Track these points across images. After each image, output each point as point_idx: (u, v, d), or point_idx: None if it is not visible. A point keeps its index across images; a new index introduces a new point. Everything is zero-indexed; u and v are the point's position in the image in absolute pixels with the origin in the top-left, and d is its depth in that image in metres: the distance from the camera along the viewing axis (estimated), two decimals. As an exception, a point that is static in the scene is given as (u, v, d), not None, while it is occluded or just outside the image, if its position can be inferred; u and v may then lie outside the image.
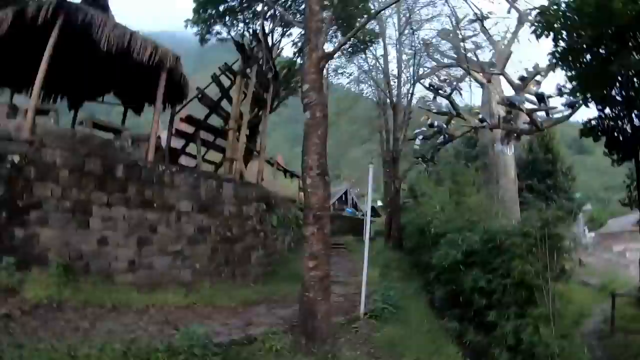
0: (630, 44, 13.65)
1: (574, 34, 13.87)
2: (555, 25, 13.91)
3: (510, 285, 11.54)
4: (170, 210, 10.84)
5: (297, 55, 24.34)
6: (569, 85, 18.95)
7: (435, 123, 27.00)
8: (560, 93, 24.25)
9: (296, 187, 33.00)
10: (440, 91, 27.33)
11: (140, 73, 12.16)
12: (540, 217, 12.45)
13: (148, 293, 9.73)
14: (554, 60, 15.82)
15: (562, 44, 14.81)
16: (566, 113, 23.53)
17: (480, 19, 28.26)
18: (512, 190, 25.31)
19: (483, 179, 25.33)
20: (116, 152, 11.93)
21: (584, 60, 15.07)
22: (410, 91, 28.17)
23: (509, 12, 28.23)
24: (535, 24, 14.81)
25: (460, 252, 12.67)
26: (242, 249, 12.68)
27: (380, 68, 28.60)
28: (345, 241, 26.17)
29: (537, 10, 14.86)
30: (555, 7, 13.76)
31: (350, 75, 31.80)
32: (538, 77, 25.69)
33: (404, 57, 27.61)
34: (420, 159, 27.45)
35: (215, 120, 16.49)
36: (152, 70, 11.45)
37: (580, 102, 20.53)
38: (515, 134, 27.20)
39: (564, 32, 14.05)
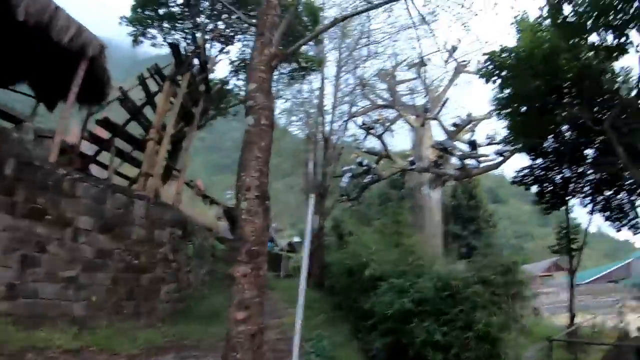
0: (568, 98, 14.24)
1: (519, 83, 14.22)
2: (503, 73, 14.45)
3: (472, 338, 10.12)
4: (66, 226, 8.60)
5: (232, 74, 22.70)
6: (501, 134, 20.09)
7: (365, 162, 26.11)
8: (490, 142, 24.22)
9: (214, 215, 31.14)
10: (371, 130, 26.55)
11: (59, 59, 10.07)
12: (499, 262, 11.32)
13: (28, 329, 7.56)
14: (497, 106, 16.12)
15: (506, 90, 15.21)
16: (496, 161, 23.35)
17: (422, 63, 28.31)
18: (437, 234, 24.59)
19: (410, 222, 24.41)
20: (10, 144, 9.57)
21: (524, 109, 15.42)
22: (343, 127, 27.13)
23: (446, 62, 28.31)
24: (484, 68, 15.05)
25: (410, 299, 11.05)
26: (150, 281, 10.50)
27: (314, 101, 27.41)
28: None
29: (487, 56, 14.70)
30: (505, 54, 14.03)
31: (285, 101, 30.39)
32: (470, 126, 25.71)
33: (339, 93, 26.52)
34: (346, 196, 26.33)
35: (135, 130, 14.39)
36: (73, 58, 9.45)
37: (510, 151, 21.00)
38: (443, 179, 26.79)
39: (509, 81, 14.52)
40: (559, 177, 19.05)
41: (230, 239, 29.21)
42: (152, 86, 14.30)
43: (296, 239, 47.29)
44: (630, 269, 42.70)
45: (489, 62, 14.65)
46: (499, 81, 14.82)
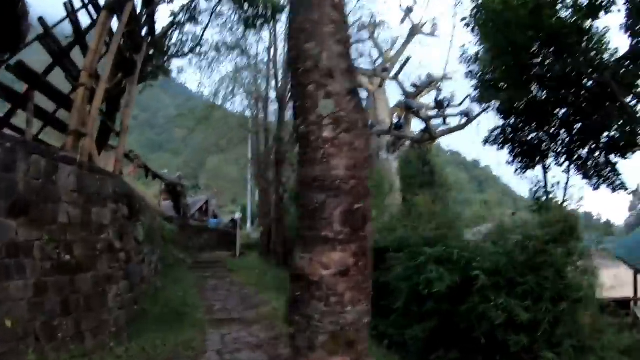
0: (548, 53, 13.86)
1: (504, 34, 13.51)
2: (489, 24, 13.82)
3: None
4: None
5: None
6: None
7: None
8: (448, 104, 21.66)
9: (156, 193, 27.21)
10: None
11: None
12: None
13: None
14: (470, 61, 16.28)
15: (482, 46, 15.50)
16: (462, 122, 20.94)
17: (375, 24, 25.34)
18: (397, 201, 21.97)
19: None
20: None
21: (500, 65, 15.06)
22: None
23: (402, 22, 25.52)
24: (471, 17, 14.41)
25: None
26: (93, 282, 6.86)
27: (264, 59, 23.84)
28: (220, 258, 20.94)
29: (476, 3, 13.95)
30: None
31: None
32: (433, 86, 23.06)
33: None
34: (293, 165, 23.28)
35: (60, 80, 10.47)
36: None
37: (481, 111, 19.29)
38: (401, 143, 24.20)
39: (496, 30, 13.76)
40: (531, 136, 17.40)
41: (178, 217, 25.70)
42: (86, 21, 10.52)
43: (237, 215, 43.82)
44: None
45: (478, 10, 13.74)
46: (482, 31, 14.46)
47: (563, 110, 16.24)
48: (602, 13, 12.30)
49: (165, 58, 13.87)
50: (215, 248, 24.82)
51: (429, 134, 21.11)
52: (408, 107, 20.30)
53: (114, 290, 7.33)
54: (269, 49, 21.80)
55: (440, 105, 20.55)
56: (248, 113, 26.81)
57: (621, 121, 14.74)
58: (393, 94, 25.16)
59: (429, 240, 9.27)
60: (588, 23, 12.90)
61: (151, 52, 12.71)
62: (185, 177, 44.65)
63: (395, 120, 21.91)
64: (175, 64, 22.50)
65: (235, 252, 23.09)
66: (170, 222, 17.16)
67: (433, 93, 22.36)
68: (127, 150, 16.68)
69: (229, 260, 20.49)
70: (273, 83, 22.41)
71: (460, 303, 7.97)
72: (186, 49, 14.11)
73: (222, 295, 12.91)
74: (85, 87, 8.26)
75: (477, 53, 16.39)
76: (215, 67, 24.44)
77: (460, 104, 20.85)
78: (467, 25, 14.62)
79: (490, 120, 20.80)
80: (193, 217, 32.61)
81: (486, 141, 18.54)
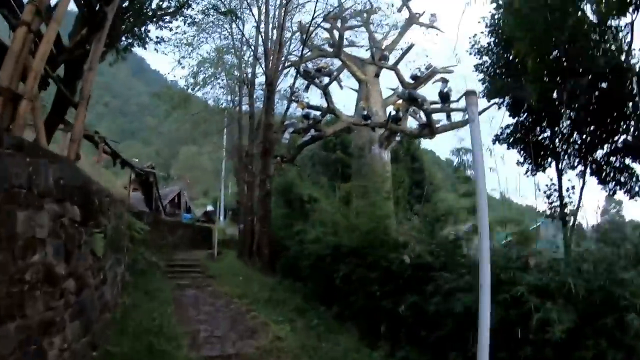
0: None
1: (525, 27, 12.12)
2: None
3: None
4: None
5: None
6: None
7: (312, 114, 20.23)
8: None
9: (126, 184, 23.81)
10: (316, 80, 20.70)
11: None
12: None
13: None
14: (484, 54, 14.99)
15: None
16: (466, 118, 18.49)
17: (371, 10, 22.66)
18: (390, 199, 19.33)
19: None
20: None
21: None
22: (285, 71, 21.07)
23: (399, 10, 22.90)
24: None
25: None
26: (19, 338, 3.61)
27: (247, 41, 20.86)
28: (197, 259, 17.94)
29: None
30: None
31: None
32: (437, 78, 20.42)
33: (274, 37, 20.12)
34: (279, 157, 20.36)
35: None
36: None
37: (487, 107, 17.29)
38: (396, 137, 21.65)
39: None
40: (542, 136, 15.71)
41: (149, 212, 22.46)
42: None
43: (210, 208, 40.65)
44: (539, 233, 40.77)
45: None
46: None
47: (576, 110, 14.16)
48: (631, 9, 10.85)
49: (144, 18, 10.71)
50: (190, 246, 21.85)
51: (429, 129, 18.56)
52: (411, 98, 17.66)
53: (57, 343, 4.36)
54: (257, 26, 18.77)
55: (445, 98, 18.02)
56: (229, 98, 23.64)
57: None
58: (387, 85, 22.05)
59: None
60: (614, 22, 11.75)
61: (126, 3, 9.64)
62: (156, 167, 41.40)
63: (393, 112, 19.27)
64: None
65: (213, 252, 20.16)
66: (141, 219, 14.09)
67: (430, 86, 19.94)
68: (90, 130, 13.56)
69: (208, 263, 17.56)
70: (259, 68, 19.56)
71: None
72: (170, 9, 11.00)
73: (207, 314, 10.00)
74: (29, 27, 5.27)
75: (490, 44, 14.99)
76: (196, 45, 21.35)
77: (459, 99, 18.46)
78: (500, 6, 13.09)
79: (496, 117, 18.47)
80: (165, 210, 29.51)
81: (496, 139, 16.36)
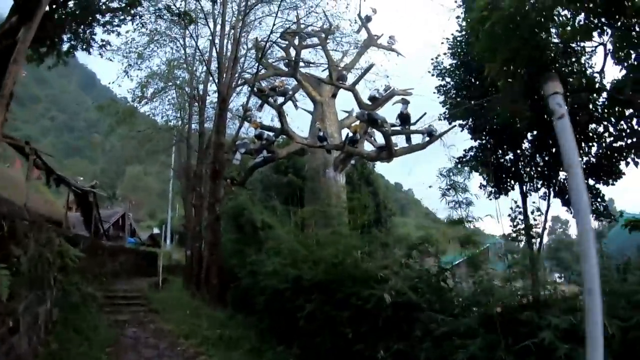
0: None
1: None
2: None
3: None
4: None
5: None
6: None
7: (265, 134, 18.79)
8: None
9: (62, 203, 21.29)
10: (270, 99, 19.35)
11: None
12: None
13: None
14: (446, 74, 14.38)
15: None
16: (425, 140, 17.62)
17: (329, 30, 21.58)
18: (344, 224, 17.94)
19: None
20: None
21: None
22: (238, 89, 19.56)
23: (358, 31, 21.97)
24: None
25: None
26: None
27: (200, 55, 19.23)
28: (139, 289, 15.89)
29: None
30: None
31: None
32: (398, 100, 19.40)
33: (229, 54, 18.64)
34: (228, 180, 18.74)
35: None
36: None
37: (436, 130, 17.00)
38: (352, 160, 20.46)
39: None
40: (506, 158, 14.81)
41: (87, 236, 19.98)
42: None
43: (156, 231, 38.06)
44: (488, 254, 40.59)
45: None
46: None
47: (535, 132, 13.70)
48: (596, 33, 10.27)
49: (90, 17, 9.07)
50: (134, 273, 19.67)
51: (388, 152, 17.47)
52: (371, 120, 16.52)
53: None
54: (212, 39, 17.17)
55: (405, 119, 17.05)
56: (178, 115, 21.84)
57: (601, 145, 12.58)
58: (342, 107, 20.87)
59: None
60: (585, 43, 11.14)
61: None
62: (101, 187, 38.30)
63: (350, 134, 18.13)
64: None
65: (157, 280, 18.09)
66: (77, 244, 12.04)
67: (388, 107, 18.96)
68: (19, 140, 11.59)
69: (151, 294, 15.53)
70: (211, 84, 18.01)
71: None
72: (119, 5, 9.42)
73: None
74: None
75: (452, 66, 14.38)
76: (147, 56, 19.58)
77: (417, 121, 17.58)
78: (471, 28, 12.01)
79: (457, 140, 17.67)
80: (107, 233, 27.00)
81: (459, 162, 15.35)
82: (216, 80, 16.12)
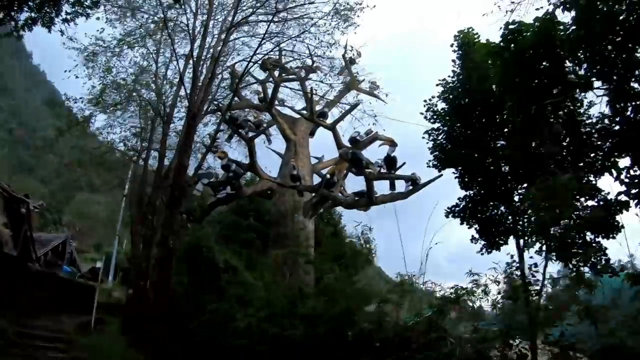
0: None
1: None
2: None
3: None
4: None
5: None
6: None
7: (233, 167, 16.27)
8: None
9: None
10: (241, 130, 17.01)
11: None
12: None
13: None
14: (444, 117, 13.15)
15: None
16: (408, 189, 15.58)
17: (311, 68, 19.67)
18: (311, 272, 15.29)
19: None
20: None
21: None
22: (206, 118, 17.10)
23: (339, 73, 20.07)
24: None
25: None
26: None
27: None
28: (65, 330, 12.60)
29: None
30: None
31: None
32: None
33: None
34: (185, 215, 15.92)
35: None
36: None
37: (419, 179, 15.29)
38: (324, 205, 18.06)
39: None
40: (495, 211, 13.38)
41: (15, 256, 16.17)
42: None
43: (99, 265, 33.59)
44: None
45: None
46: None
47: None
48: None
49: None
50: (63, 309, 16.08)
51: (368, 199, 15.25)
52: (355, 160, 14.39)
53: None
54: (191, 44, 14.50)
55: (392, 163, 14.97)
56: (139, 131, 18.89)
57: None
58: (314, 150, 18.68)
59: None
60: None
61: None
62: (48, 209, 34.25)
63: (327, 176, 15.87)
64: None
65: (90, 320, 14.75)
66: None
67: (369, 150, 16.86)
68: None
69: (79, 337, 12.27)
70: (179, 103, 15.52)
71: None
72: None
73: None
74: None
75: (444, 109, 13.15)
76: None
77: (399, 167, 15.53)
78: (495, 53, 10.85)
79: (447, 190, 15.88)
80: (45, 257, 23.32)
81: (450, 212, 13.78)
82: (188, 92, 13.44)
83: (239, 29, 16.71)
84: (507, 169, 12.70)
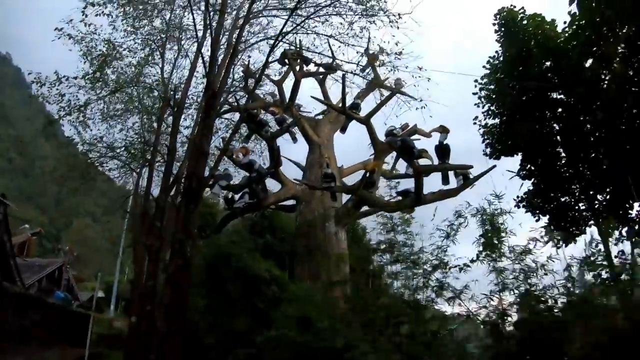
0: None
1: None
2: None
3: None
4: None
5: None
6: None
7: (257, 165, 13.09)
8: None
9: None
10: (265, 128, 13.97)
11: None
12: None
13: None
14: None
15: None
16: (459, 184, 12.42)
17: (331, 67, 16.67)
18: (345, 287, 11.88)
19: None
20: None
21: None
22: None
23: (363, 70, 17.09)
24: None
25: None
26: None
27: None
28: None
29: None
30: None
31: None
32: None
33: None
34: (195, 231, 12.43)
35: None
36: None
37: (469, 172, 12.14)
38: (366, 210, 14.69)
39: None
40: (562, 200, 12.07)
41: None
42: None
43: (100, 294, 29.93)
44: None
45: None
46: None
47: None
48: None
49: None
50: (53, 340, 12.55)
51: (416, 197, 11.95)
52: (405, 149, 11.25)
53: None
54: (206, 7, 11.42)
55: (445, 152, 11.80)
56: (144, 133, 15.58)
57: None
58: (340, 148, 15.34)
59: None
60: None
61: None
62: (46, 236, 31.38)
63: (367, 174, 12.69)
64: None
65: (84, 355, 11.21)
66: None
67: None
68: None
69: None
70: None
71: None
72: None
73: None
74: None
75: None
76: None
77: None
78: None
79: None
80: (39, 285, 20.06)
81: (519, 204, 12.36)
82: (206, 67, 10.23)
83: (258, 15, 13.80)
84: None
